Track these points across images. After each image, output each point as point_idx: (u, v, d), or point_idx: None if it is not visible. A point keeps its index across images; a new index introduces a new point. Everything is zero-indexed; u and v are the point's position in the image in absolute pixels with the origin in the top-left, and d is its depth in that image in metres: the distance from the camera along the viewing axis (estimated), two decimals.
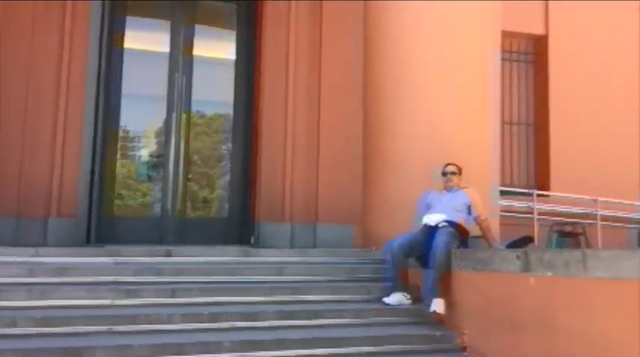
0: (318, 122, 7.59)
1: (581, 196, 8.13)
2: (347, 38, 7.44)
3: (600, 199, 8.16)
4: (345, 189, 7.17)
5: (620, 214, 8.31)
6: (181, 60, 7.71)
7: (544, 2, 9.03)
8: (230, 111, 7.97)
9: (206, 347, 3.90)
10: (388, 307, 4.87)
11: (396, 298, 4.93)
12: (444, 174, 5.46)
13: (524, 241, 5.34)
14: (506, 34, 8.68)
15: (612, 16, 9.21)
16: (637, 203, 8.36)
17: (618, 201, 8.26)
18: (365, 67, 6.57)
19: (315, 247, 7.13)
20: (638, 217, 8.35)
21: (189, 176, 7.66)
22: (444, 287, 4.76)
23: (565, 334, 3.52)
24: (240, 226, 7.65)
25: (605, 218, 8.24)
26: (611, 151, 8.86)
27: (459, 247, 5.02)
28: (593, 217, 8.11)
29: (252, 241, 7.33)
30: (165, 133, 7.63)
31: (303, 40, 7.68)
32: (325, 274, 5.39)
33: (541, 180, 8.88)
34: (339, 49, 7.60)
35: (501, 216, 6.45)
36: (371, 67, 6.46)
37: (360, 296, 5.08)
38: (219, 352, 3.90)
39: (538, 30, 9.06)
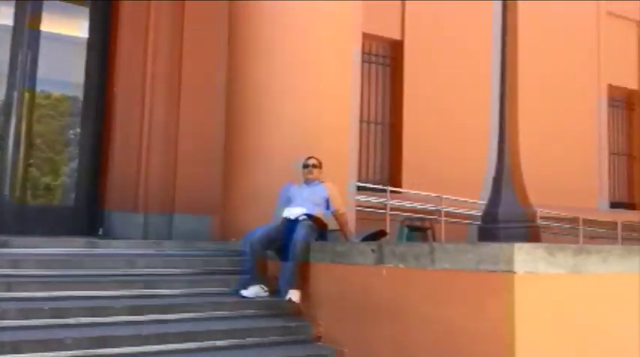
0: (178, 111, 7.36)
1: (429, 193, 8.68)
2: (210, 28, 7.31)
3: (445, 196, 8.75)
4: (204, 179, 7.01)
5: (462, 210, 8.94)
6: (27, 34, 7.04)
7: (401, 8, 9.49)
8: (80, 93, 7.43)
9: (46, 345, 3.58)
10: (245, 299, 4.83)
11: (253, 291, 4.90)
12: (305, 166, 5.52)
13: (378, 235, 5.56)
14: (366, 37, 9.01)
15: (464, 22, 9.91)
16: (479, 201, 9.12)
17: (462, 199, 8.87)
18: (230, 62, 6.53)
19: (171, 238, 6.89)
20: (478, 213, 9.11)
21: (31, 161, 7.03)
22: (301, 279, 4.81)
23: (415, 322, 3.72)
24: (88, 216, 7.19)
25: (450, 214, 8.87)
26: (459, 150, 9.55)
27: (317, 240, 5.11)
28: (440, 212, 8.71)
29: (100, 232, 6.90)
30: (4, 113, 6.92)
31: (164, 23, 7.39)
32: (181, 267, 5.22)
33: (394, 177, 9.35)
34: (201, 39, 7.42)
35: (357, 210, 6.69)
36: (235, 62, 6.44)
37: (217, 289, 4.98)
38: (62, 349, 3.59)
39: (395, 35, 9.52)
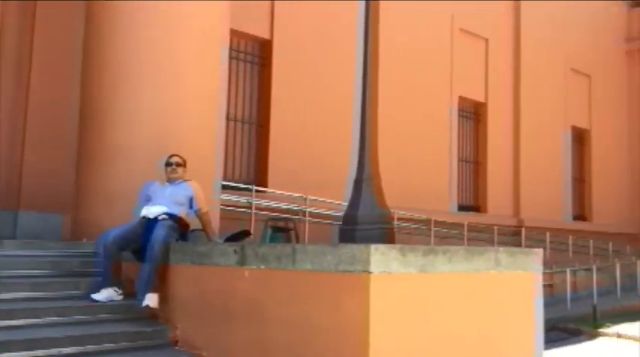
0: (26, 102, 6.78)
1: (293, 194, 8.78)
2: (64, 10, 6.81)
3: (310, 197, 8.91)
4: (55, 173, 6.50)
5: (327, 211, 9.13)
6: None
7: (270, 7, 9.52)
8: None
9: None
10: (97, 303, 4.54)
11: (105, 294, 4.63)
12: (168, 164, 5.32)
13: (242, 235, 5.51)
14: (236, 34, 8.93)
15: (333, 23, 10.17)
16: (343, 203, 9.38)
17: (327, 200, 9.04)
18: (86, 55, 6.13)
19: (14, 237, 6.30)
20: (340, 214, 9.37)
21: None
22: (159, 281, 4.63)
23: (275, 323, 3.73)
24: None
25: (315, 215, 9.04)
26: (326, 151, 9.79)
27: (178, 241, 4.95)
28: (305, 213, 8.84)
29: None
30: None
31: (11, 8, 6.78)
32: (24, 269, 4.79)
33: (261, 176, 9.35)
34: (55, 19, 6.89)
35: (222, 210, 6.59)
36: (92, 55, 6.06)
37: (65, 292, 4.63)
38: None
39: (264, 34, 9.53)
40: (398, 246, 3.32)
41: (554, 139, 14.85)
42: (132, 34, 5.85)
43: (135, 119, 5.75)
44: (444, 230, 11.15)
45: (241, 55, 9.49)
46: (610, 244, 14.18)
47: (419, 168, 11.53)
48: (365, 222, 4.08)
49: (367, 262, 3.13)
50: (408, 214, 10.25)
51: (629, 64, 17.08)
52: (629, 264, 12.47)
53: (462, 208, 12.69)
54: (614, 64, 16.93)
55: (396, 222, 9.80)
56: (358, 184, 4.26)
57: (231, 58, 9.21)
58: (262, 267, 3.85)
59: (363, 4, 4.58)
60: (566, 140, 15.25)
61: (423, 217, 10.69)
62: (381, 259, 3.16)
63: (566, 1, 15.23)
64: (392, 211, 9.27)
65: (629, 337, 8.45)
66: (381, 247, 3.21)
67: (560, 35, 14.97)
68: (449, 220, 11.38)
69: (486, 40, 13.31)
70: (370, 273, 3.13)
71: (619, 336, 8.55)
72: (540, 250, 4.12)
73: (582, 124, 15.82)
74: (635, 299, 11.34)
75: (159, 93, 5.83)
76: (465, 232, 11.28)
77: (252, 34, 9.45)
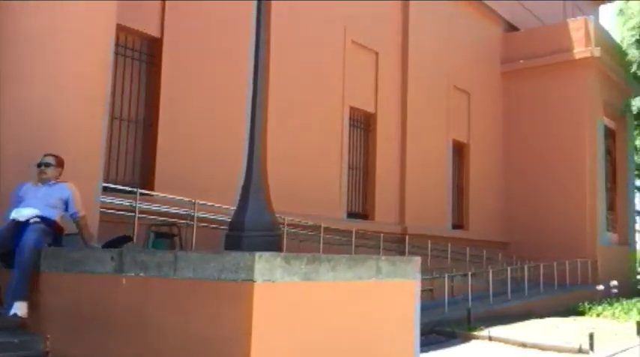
0: None
1: (181, 198, 8.53)
2: None
3: (200, 201, 8.68)
4: None
5: (217, 216, 8.91)
6: None
7: (160, 5, 9.23)
8: None
9: None
10: None
11: None
12: (39, 165, 4.98)
13: (122, 241, 5.27)
14: (124, 30, 8.56)
15: (226, 23, 10.01)
16: (232, 207, 9.21)
17: (216, 204, 8.81)
18: None
19: None
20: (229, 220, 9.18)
21: None
22: (29, 289, 4.32)
23: (155, 333, 3.58)
24: None
25: (205, 220, 8.81)
26: (218, 153, 9.60)
27: (51, 246, 4.64)
28: (193, 218, 8.58)
29: None
30: None
31: None
32: None
33: (146, 179, 9.01)
34: None
35: (103, 213, 6.26)
36: None
37: None
38: None
39: (154, 32, 9.22)
40: (283, 254, 3.31)
41: (438, 152, 15.66)
42: (15, 33, 5.44)
43: (13, 119, 5.34)
44: (334, 237, 11.35)
45: (129, 53, 9.12)
46: (484, 251, 15.13)
47: (311, 175, 11.68)
48: (252, 229, 4.03)
49: (251, 270, 3.09)
50: (297, 220, 10.32)
51: (504, 84, 18.41)
52: (500, 270, 13.37)
53: (351, 215, 13.00)
54: (491, 83, 18.18)
55: (286, 228, 9.88)
56: (246, 189, 4.21)
57: (118, 54, 8.84)
58: (142, 275, 3.70)
59: (255, 4, 4.54)
60: (448, 152, 16.12)
61: (314, 223, 10.81)
62: (266, 267, 3.14)
63: (449, 23, 16.20)
64: (282, 217, 9.41)
65: (500, 340, 9.04)
66: (266, 254, 3.18)
67: (444, 54, 15.86)
68: (338, 226, 11.60)
69: (377, 54, 13.77)
70: (254, 282, 3.09)
71: (490, 338, 9.11)
72: (419, 258, 4.29)
73: (462, 138, 16.80)
74: (505, 303, 12.16)
75: (38, 91, 5.46)
76: (353, 239, 11.55)
77: (142, 32, 9.12)
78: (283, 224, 9.78)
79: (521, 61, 18.05)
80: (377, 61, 13.80)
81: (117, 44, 8.76)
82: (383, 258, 3.96)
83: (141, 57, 9.30)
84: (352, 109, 13.10)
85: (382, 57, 13.91)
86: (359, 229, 11.97)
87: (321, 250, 10.59)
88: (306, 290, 3.39)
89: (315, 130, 11.94)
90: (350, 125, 13.11)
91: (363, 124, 13.71)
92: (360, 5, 13.20)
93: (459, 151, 16.91)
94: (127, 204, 7.85)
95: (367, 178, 13.64)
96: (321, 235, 10.87)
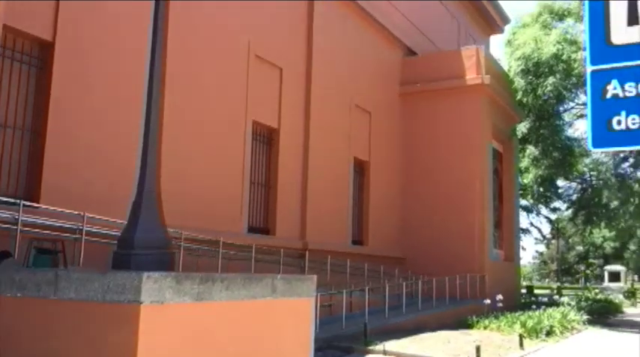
0: None
1: (70, 211, 8.05)
2: None
3: (88, 215, 8.22)
4: None
5: (108, 231, 8.46)
6: None
7: (54, 7, 8.75)
8: None
9: None
10: None
11: None
12: None
13: (0, 257, 4.86)
14: (10, 31, 8.02)
15: (122, 32, 9.63)
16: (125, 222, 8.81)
17: (110, 219, 8.36)
18: None
19: None
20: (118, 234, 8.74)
21: None
22: None
23: (30, 356, 3.31)
24: None
25: (95, 235, 8.33)
26: (110, 165, 9.14)
27: None
28: (82, 232, 8.11)
29: None
30: None
31: None
32: None
33: (32, 190, 8.43)
34: None
35: None
36: None
37: None
38: None
39: (46, 35, 8.71)
40: (173, 273, 3.18)
41: (339, 168, 15.93)
42: None
43: None
44: (234, 252, 11.17)
45: (17, 56, 8.54)
46: (382, 267, 15.51)
47: (212, 188, 11.46)
48: (142, 246, 3.84)
49: (138, 291, 2.94)
50: (195, 235, 10.06)
51: (403, 105, 19.13)
52: (396, 285, 13.75)
53: (252, 229, 12.87)
54: (391, 103, 18.83)
55: (183, 243, 9.59)
56: (137, 204, 4.01)
57: (5, 57, 8.29)
58: (19, 295, 3.42)
59: (153, 6, 4.39)
60: (349, 169, 16.44)
61: (213, 238, 10.58)
62: (154, 287, 3.00)
63: (353, 44, 16.64)
64: (179, 231, 9.13)
65: (394, 353, 9.27)
66: (154, 274, 3.04)
67: (347, 73, 16.24)
68: (239, 241, 11.43)
69: (281, 69, 13.83)
70: (140, 303, 2.94)
71: (385, 352, 9.32)
72: (314, 277, 4.29)
73: (363, 156, 17.22)
74: (400, 317, 12.50)
75: None
76: (253, 254, 11.43)
77: (32, 34, 8.58)
78: (180, 239, 9.51)
79: (418, 84, 18.85)
80: (281, 76, 13.86)
81: (3, 46, 8.22)
82: (279, 277, 3.92)
83: (30, 61, 8.74)
84: (255, 123, 13.03)
85: (286, 73, 13.99)
86: (260, 244, 11.86)
87: (219, 265, 10.39)
88: (198, 311, 3.28)
89: (217, 143, 11.76)
90: (253, 139, 13.03)
91: (266, 139, 13.68)
92: (265, 20, 13.23)
93: (360, 168, 17.30)
94: (8, 216, 7.28)
95: (269, 192, 13.60)
96: (220, 250, 10.65)
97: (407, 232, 18.32)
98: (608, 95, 2.77)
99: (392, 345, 9.68)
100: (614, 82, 2.76)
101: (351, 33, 16.63)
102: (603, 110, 2.78)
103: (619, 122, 2.73)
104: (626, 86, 2.74)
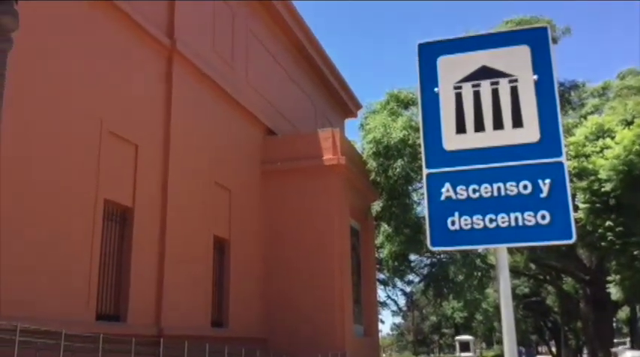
0: None
1: None
2: None
3: None
4: None
5: None
6: None
7: None
8: None
9: None
10: None
11: None
12: None
13: None
14: None
15: None
16: None
17: None
18: None
19: None
20: None
21: None
22: None
23: None
24: None
25: None
26: None
27: None
28: None
29: None
30: None
31: None
32: None
33: None
34: None
35: None
36: None
37: None
38: None
39: None
40: None
41: (198, 247, 15.48)
42: None
43: None
44: (80, 344, 10.21)
45: None
46: (243, 349, 15.02)
47: (56, 274, 10.54)
48: None
49: None
50: (35, 327, 9.09)
51: (265, 183, 19.34)
52: None
53: (101, 317, 11.92)
54: (252, 181, 18.95)
55: (18, 336, 8.59)
56: None
57: None
58: None
59: None
60: (208, 248, 16.04)
61: (53, 328, 9.61)
62: None
63: (212, 121, 16.72)
64: (14, 323, 8.18)
65: None
66: None
67: (206, 151, 16.17)
68: (86, 331, 10.50)
69: (136, 146, 13.42)
70: None
71: None
72: None
73: (223, 234, 16.95)
74: None
75: None
76: (101, 346, 10.52)
77: None
78: (15, 331, 8.54)
79: (278, 163, 19.24)
80: (136, 153, 13.41)
81: None
82: None
83: None
84: (107, 201, 12.38)
85: (142, 150, 13.58)
86: (109, 333, 10.97)
87: None
88: None
89: (63, 223, 10.94)
90: (104, 218, 12.31)
91: (119, 218, 13.00)
92: (120, 96, 12.90)
93: (220, 246, 16.97)
94: None
95: (121, 275, 12.77)
96: (62, 342, 9.69)
97: (270, 311, 18.06)
98: (443, 197, 2.98)
99: None
100: (448, 185, 2.99)
101: (210, 111, 16.71)
102: (440, 211, 2.98)
103: (453, 223, 2.93)
104: (458, 189, 2.98)
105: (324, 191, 18.81)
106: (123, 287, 12.71)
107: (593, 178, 15.06)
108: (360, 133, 22.94)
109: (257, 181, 19.18)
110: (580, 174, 15.28)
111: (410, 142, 19.37)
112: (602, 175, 14.87)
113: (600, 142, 15.77)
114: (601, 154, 15.31)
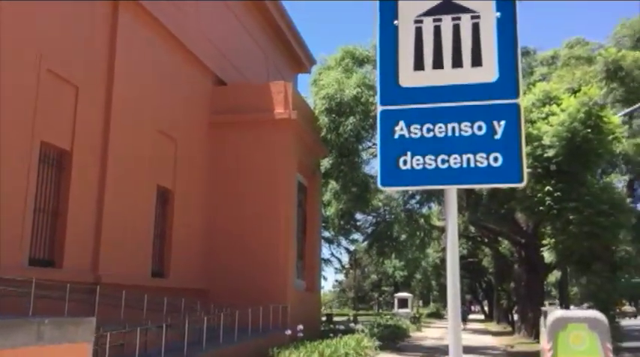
0: None
1: None
2: None
3: None
4: None
5: None
6: None
7: None
8: None
9: None
10: None
11: None
12: None
13: None
14: None
15: None
16: None
17: None
18: None
19: None
20: None
21: None
22: None
23: None
24: None
25: None
26: None
27: None
28: None
29: None
30: None
31: None
32: None
33: None
34: None
35: None
36: None
37: None
38: None
39: None
40: None
41: (140, 196, 15.06)
42: None
43: None
44: (11, 288, 9.82)
45: None
46: (183, 300, 14.88)
47: None
48: None
49: None
50: None
51: (212, 134, 18.90)
52: (197, 319, 13.23)
53: (34, 262, 11.49)
54: (199, 131, 18.48)
55: None
56: None
57: None
58: None
59: None
60: (151, 198, 15.64)
61: None
62: None
63: (159, 68, 16.06)
64: None
65: None
66: None
67: (152, 98, 15.56)
68: (17, 275, 10.10)
69: (77, 88, 12.75)
70: None
71: None
72: (92, 319, 3.80)
73: (167, 184, 16.54)
74: (199, 353, 12.01)
75: None
76: (33, 290, 10.15)
77: None
78: None
79: (228, 114, 18.80)
80: (77, 96, 12.76)
81: None
82: (47, 321, 3.37)
83: None
84: (44, 144, 11.78)
85: (83, 93, 12.93)
86: (43, 278, 10.60)
87: None
88: None
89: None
90: (40, 161, 11.74)
91: (55, 162, 12.42)
92: (61, 33, 12.16)
93: (164, 197, 16.58)
94: None
95: (57, 220, 12.29)
96: None
97: (212, 263, 17.93)
98: (396, 135, 2.85)
99: None
100: (401, 123, 2.86)
101: (158, 57, 16.04)
102: (392, 149, 2.85)
103: (405, 162, 2.82)
104: (412, 128, 2.85)
105: (273, 145, 18.57)
106: (58, 232, 12.26)
107: (536, 143, 15.38)
108: (312, 89, 22.63)
109: (204, 132, 18.73)
110: (525, 139, 15.57)
111: (362, 100, 19.24)
112: (546, 141, 15.21)
113: (546, 109, 16.07)
114: (546, 121, 15.62)
